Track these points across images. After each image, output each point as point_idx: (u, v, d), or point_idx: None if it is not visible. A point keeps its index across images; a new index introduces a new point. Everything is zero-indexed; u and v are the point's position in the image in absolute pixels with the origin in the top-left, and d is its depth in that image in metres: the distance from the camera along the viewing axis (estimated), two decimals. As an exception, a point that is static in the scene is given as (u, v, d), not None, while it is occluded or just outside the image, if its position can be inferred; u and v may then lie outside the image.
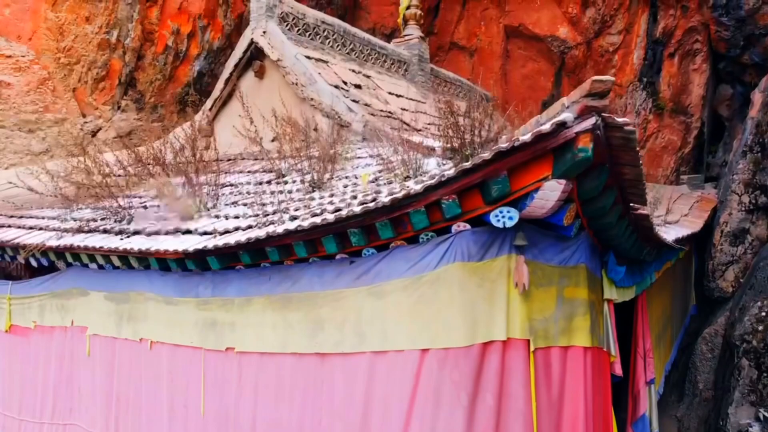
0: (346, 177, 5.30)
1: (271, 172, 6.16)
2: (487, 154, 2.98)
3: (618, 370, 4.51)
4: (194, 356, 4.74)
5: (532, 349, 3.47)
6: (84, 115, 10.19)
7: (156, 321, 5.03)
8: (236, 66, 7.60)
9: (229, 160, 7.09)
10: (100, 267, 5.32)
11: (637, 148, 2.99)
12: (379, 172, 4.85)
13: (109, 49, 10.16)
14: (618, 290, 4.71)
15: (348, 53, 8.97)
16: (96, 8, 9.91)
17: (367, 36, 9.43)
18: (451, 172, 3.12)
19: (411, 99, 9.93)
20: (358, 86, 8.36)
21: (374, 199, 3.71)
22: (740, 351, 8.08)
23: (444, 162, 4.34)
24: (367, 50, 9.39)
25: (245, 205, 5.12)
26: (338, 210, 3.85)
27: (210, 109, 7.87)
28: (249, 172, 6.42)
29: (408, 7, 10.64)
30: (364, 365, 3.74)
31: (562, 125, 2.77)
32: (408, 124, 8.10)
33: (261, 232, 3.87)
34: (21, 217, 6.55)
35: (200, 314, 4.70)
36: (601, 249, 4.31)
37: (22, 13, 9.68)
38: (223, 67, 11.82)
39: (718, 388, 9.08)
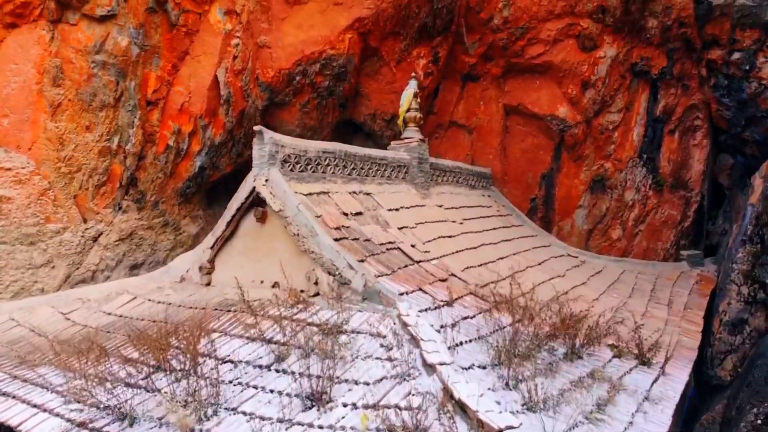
0: (346, 381, 5.33)
1: (270, 342, 6.21)
2: None
3: None
4: None
5: None
6: (85, 221, 10.23)
7: None
8: (238, 209, 7.64)
9: (228, 310, 7.12)
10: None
11: None
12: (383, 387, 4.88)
13: (110, 155, 10.20)
14: None
15: (349, 173, 9.01)
16: (96, 117, 9.94)
17: (366, 152, 9.46)
18: None
19: (412, 206, 9.98)
20: (359, 213, 8.40)
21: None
22: (736, 458, 8.19)
23: (445, 407, 4.36)
24: (367, 165, 9.43)
25: (244, 414, 5.16)
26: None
27: (211, 247, 7.91)
28: (248, 338, 6.45)
29: (408, 110, 10.67)
30: None
31: None
32: (408, 255, 8.13)
33: None
34: (25, 380, 6.58)
35: None
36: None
37: (21, 124, 9.71)
38: (224, 159, 11.92)
39: (716, 480, 9.21)
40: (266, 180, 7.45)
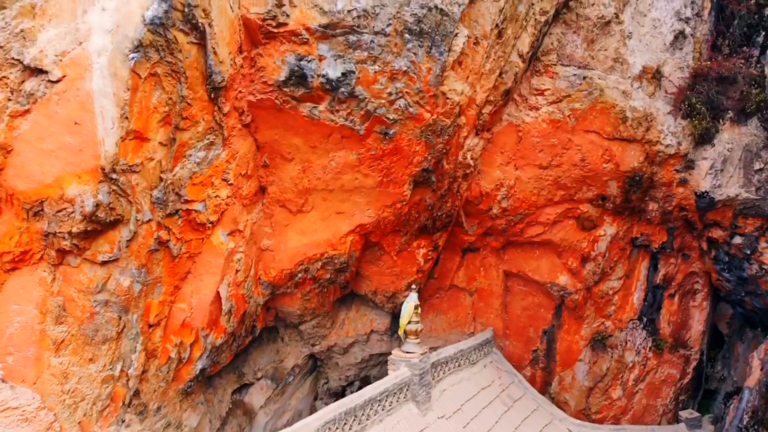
0: None
1: None
2: None
3: None
4: None
5: None
6: (89, 443, 10.30)
7: None
8: None
9: None
10: None
11: None
12: None
13: (113, 381, 10.23)
14: None
15: (350, 427, 9.08)
16: (99, 350, 9.96)
17: (367, 396, 9.53)
18: None
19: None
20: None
21: None
22: None
23: None
24: (368, 408, 9.51)
25: None
26: None
27: None
28: None
29: (409, 323, 10.70)
30: None
31: None
32: None
33: None
34: None
35: None
36: None
37: (26, 360, 9.72)
38: (224, 354, 11.95)
39: None
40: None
